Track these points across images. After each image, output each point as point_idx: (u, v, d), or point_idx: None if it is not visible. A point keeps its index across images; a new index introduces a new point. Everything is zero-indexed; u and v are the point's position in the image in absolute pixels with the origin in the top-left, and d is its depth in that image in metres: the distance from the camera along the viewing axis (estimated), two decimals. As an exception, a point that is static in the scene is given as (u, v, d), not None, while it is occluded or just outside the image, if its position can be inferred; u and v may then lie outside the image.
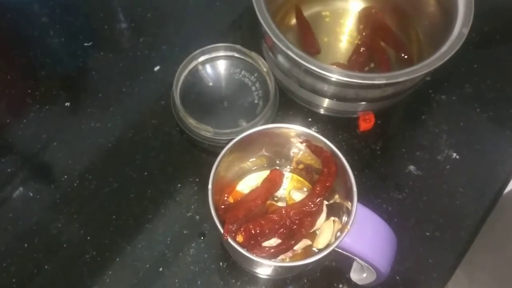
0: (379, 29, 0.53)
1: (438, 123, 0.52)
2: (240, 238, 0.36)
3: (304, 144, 0.40)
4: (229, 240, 0.34)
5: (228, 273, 0.45)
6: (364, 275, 0.41)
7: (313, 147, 0.39)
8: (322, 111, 0.51)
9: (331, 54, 0.53)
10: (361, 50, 0.51)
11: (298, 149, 0.41)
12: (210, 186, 0.36)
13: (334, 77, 0.41)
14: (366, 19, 0.54)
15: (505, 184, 0.50)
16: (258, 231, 0.37)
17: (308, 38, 0.52)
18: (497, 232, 0.55)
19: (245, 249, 0.34)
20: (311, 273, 0.45)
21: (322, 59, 0.51)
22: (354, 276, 0.43)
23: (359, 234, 0.35)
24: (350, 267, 0.44)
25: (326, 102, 0.48)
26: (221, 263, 0.45)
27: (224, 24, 0.57)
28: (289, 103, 0.51)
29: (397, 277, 0.45)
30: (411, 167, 0.50)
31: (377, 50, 0.52)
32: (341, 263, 0.44)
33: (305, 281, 0.44)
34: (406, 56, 0.51)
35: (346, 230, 0.35)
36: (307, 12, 0.54)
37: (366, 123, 0.50)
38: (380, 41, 0.53)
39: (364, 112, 0.49)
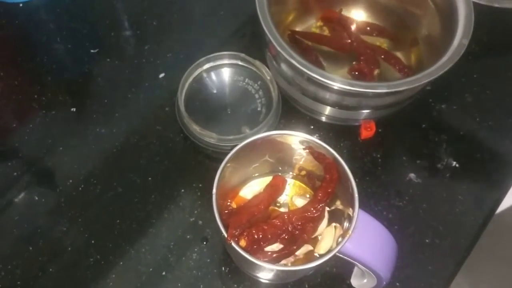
0: (364, 27, 0.55)
1: (438, 132, 0.53)
2: (243, 242, 0.37)
3: (307, 150, 0.40)
4: (233, 244, 0.35)
5: (230, 278, 0.45)
6: (365, 280, 0.41)
7: (316, 154, 0.39)
8: (324, 119, 0.51)
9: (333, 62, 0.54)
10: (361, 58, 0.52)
11: (301, 156, 0.42)
12: (214, 191, 0.36)
13: (336, 85, 0.42)
14: (332, 24, 0.55)
15: (504, 193, 0.51)
16: (260, 236, 0.38)
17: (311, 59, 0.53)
18: (497, 240, 0.55)
19: (248, 253, 0.35)
20: (312, 278, 0.45)
21: (326, 68, 0.53)
22: (355, 282, 0.44)
23: (360, 239, 0.36)
24: (350, 273, 0.44)
25: (328, 110, 0.48)
26: (223, 268, 0.45)
27: (228, 32, 0.58)
28: (291, 111, 0.52)
29: (397, 284, 0.45)
30: (412, 175, 0.50)
31: (378, 51, 0.53)
32: (342, 269, 0.45)
33: (306, 286, 0.45)
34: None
35: (348, 236, 0.35)
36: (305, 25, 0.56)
37: (367, 131, 0.50)
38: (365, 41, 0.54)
39: (365, 120, 0.50)
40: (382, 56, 0.52)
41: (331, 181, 0.39)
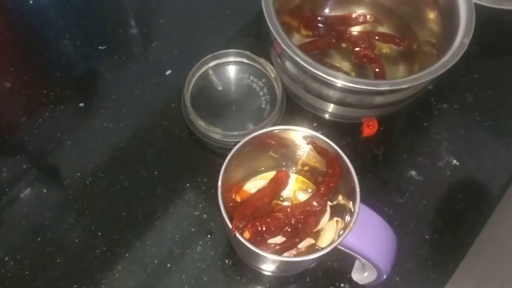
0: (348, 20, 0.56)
1: (439, 130, 0.54)
2: (247, 234, 0.37)
3: (310, 145, 0.41)
4: (237, 235, 0.36)
5: (234, 270, 0.46)
6: (365, 274, 0.42)
7: (319, 149, 0.40)
8: (327, 116, 0.52)
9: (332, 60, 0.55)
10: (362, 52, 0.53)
11: (304, 152, 0.43)
12: (219, 183, 0.37)
13: (340, 82, 0.43)
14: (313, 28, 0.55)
15: (503, 191, 0.51)
16: (264, 228, 0.38)
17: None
18: (495, 237, 0.56)
19: (252, 244, 0.36)
20: (313, 272, 0.46)
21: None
22: (356, 276, 0.45)
23: (361, 232, 0.36)
24: (351, 267, 0.45)
25: (331, 107, 0.49)
26: (226, 261, 0.46)
27: (233, 31, 0.59)
28: (295, 108, 0.53)
29: (397, 278, 0.46)
30: (412, 172, 0.51)
31: (371, 34, 0.54)
32: (343, 263, 0.46)
33: (308, 280, 0.46)
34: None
35: (349, 228, 0.36)
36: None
37: (369, 129, 0.51)
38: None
39: (367, 118, 0.51)
40: (377, 38, 0.54)
41: (333, 176, 0.40)
